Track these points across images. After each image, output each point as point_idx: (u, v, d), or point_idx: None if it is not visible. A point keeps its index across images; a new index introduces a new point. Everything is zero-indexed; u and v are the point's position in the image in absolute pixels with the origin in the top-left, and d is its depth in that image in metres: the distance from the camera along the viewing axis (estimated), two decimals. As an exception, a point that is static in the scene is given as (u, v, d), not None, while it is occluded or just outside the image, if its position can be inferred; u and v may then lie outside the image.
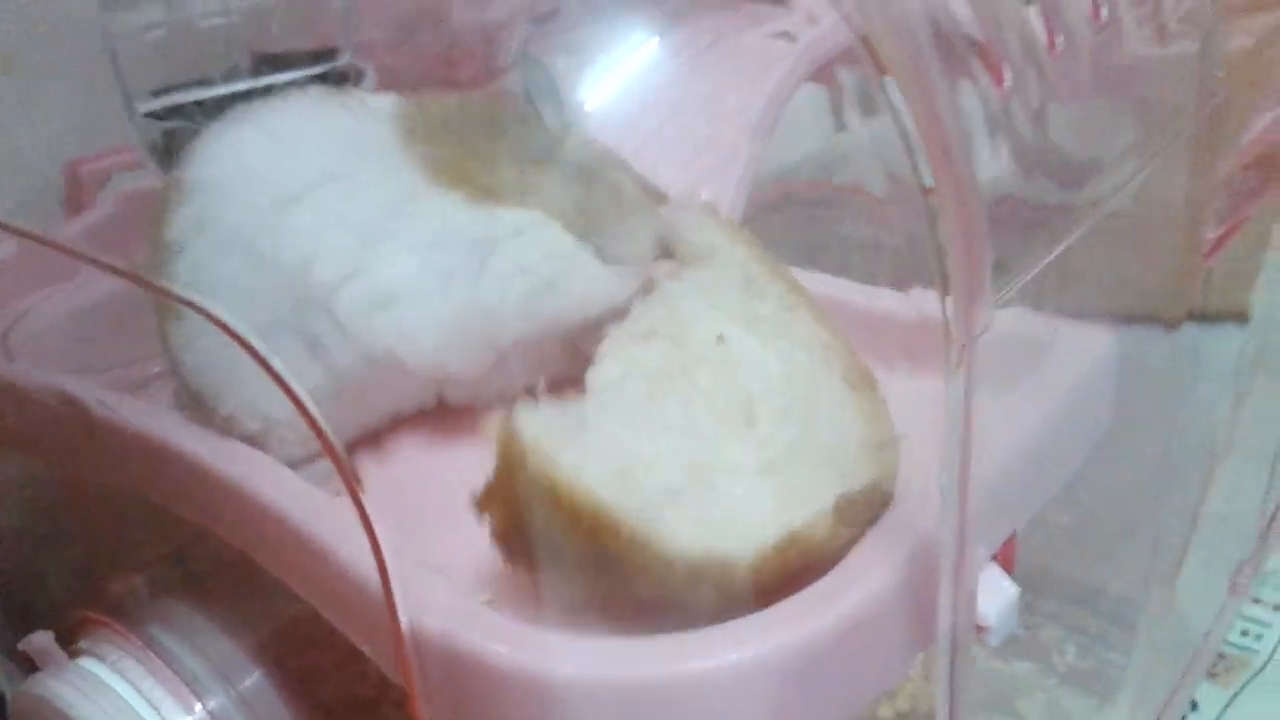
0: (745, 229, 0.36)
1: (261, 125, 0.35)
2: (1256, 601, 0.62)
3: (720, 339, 0.31)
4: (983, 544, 0.28)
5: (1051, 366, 0.33)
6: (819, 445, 0.29)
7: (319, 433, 0.27)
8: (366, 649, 0.30)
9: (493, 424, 0.27)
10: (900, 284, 0.36)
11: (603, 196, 0.35)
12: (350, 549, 0.28)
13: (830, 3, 0.25)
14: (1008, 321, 0.27)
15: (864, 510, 0.28)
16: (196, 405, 0.35)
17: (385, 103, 0.36)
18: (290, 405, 0.27)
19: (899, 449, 0.29)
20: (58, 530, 0.50)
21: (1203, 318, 0.48)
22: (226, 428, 0.34)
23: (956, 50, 0.29)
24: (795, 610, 0.26)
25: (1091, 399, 0.34)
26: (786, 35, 0.45)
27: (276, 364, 0.27)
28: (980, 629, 0.29)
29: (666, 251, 0.36)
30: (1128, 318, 0.40)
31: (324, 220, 0.34)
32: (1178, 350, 0.43)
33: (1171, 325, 0.41)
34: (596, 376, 0.31)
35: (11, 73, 0.49)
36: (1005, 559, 0.30)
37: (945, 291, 0.23)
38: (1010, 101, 0.30)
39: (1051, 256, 0.27)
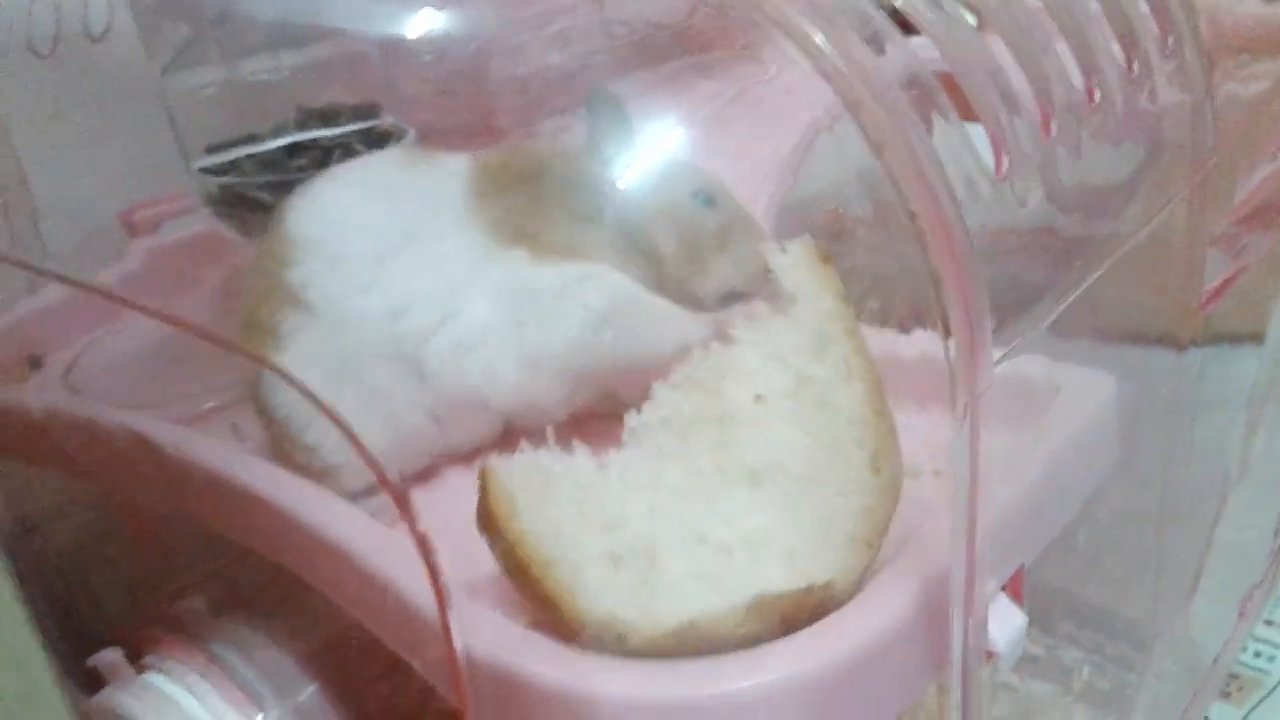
0: (837, 276, 0.36)
1: (357, 184, 0.39)
2: (1269, 623, 0.63)
3: (759, 399, 0.33)
4: (992, 576, 0.30)
5: (1057, 409, 0.35)
6: (799, 530, 0.31)
7: (379, 474, 0.29)
8: (421, 669, 0.32)
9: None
10: (912, 313, 0.38)
11: (669, 239, 0.37)
12: (407, 579, 0.31)
13: (818, 73, 0.27)
14: (1015, 367, 0.29)
15: (790, 609, 0.29)
16: (279, 435, 0.38)
17: (458, 164, 0.39)
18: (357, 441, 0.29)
19: (878, 550, 0.31)
20: (112, 551, 0.52)
21: (1218, 339, 0.49)
22: (308, 457, 0.37)
23: (1009, 95, 0.31)
24: (819, 636, 0.29)
25: (1096, 440, 0.36)
26: (791, 91, 0.48)
27: (335, 411, 0.30)
28: (990, 655, 0.31)
29: (759, 290, 0.37)
30: (1132, 344, 0.42)
31: (413, 275, 0.37)
32: (1182, 380, 0.44)
33: (1178, 350, 0.42)
34: (632, 419, 0.32)
35: (71, 123, 0.51)
36: (1015, 589, 0.32)
37: (949, 350, 0.26)
38: (1055, 148, 0.32)
39: (1054, 314, 0.30)
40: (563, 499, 0.30)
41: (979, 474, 0.27)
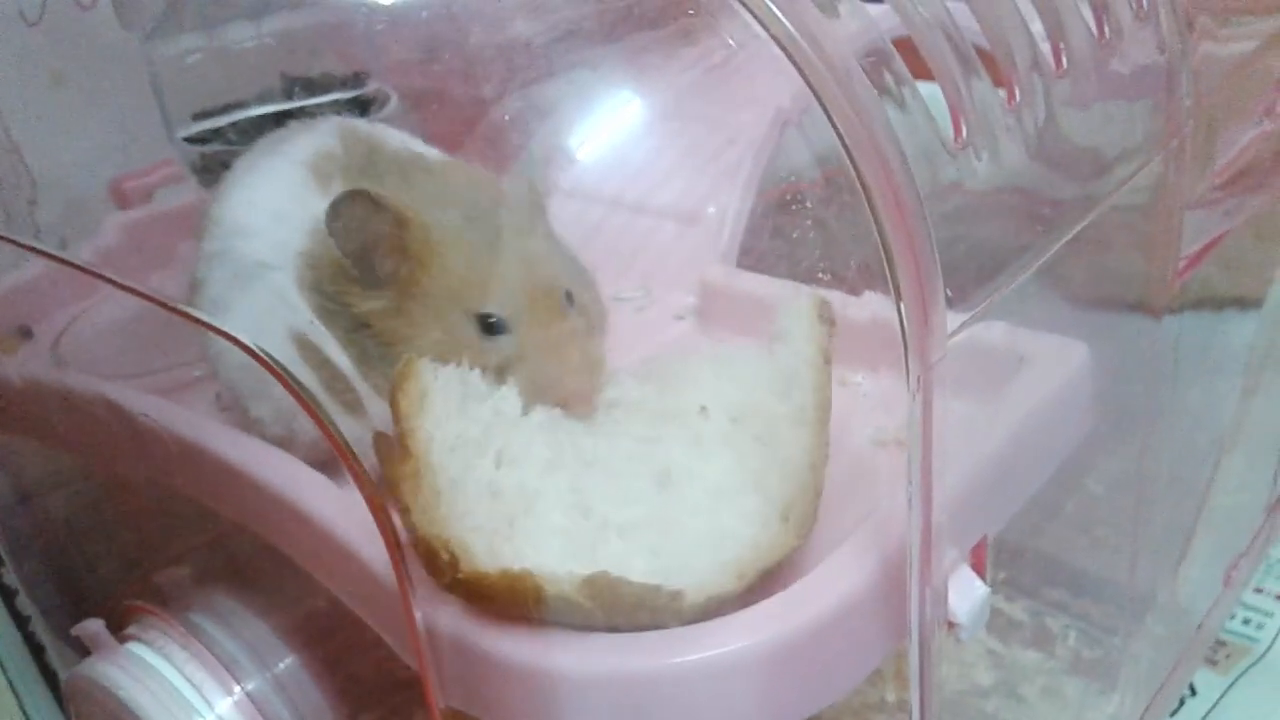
0: (830, 336, 0.35)
1: (256, 195, 0.38)
2: (1259, 591, 0.63)
3: (703, 410, 0.33)
4: (953, 547, 0.30)
5: (1025, 377, 0.35)
6: (681, 537, 0.31)
7: (333, 440, 0.29)
8: (387, 638, 0.32)
9: None
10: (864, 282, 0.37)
11: None
12: (369, 546, 0.31)
13: (769, 37, 0.27)
14: (978, 334, 0.29)
15: (628, 601, 0.28)
16: (235, 407, 0.38)
17: (313, 219, 0.35)
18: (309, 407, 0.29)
19: (749, 584, 0.30)
20: (105, 522, 0.53)
21: (1209, 303, 0.49)
22: (259, 430, 0.37)
23: (967, 59, 0.30)
24: (776, 608, 0.29)
25: (1065, 410, 0.36)
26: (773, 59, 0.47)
27: (292, 374, 0.30)
28: (952, 626, 0.31)
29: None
30: (1108, 311, 0.42)
31: (264, 308, 0.36)
32: (1160, 346, 0.44)
33: (1154, 317, 0.42)
34: None
35: (62, 91, 0.51)
36: (978, 560, 0.32)
37: (902, 318, 0.25)
38: (1020, 114, 0.32)
39: (1018, 282, 0.29)
40: (473, 418, 0.31)
41: (932, 445, 0.27)
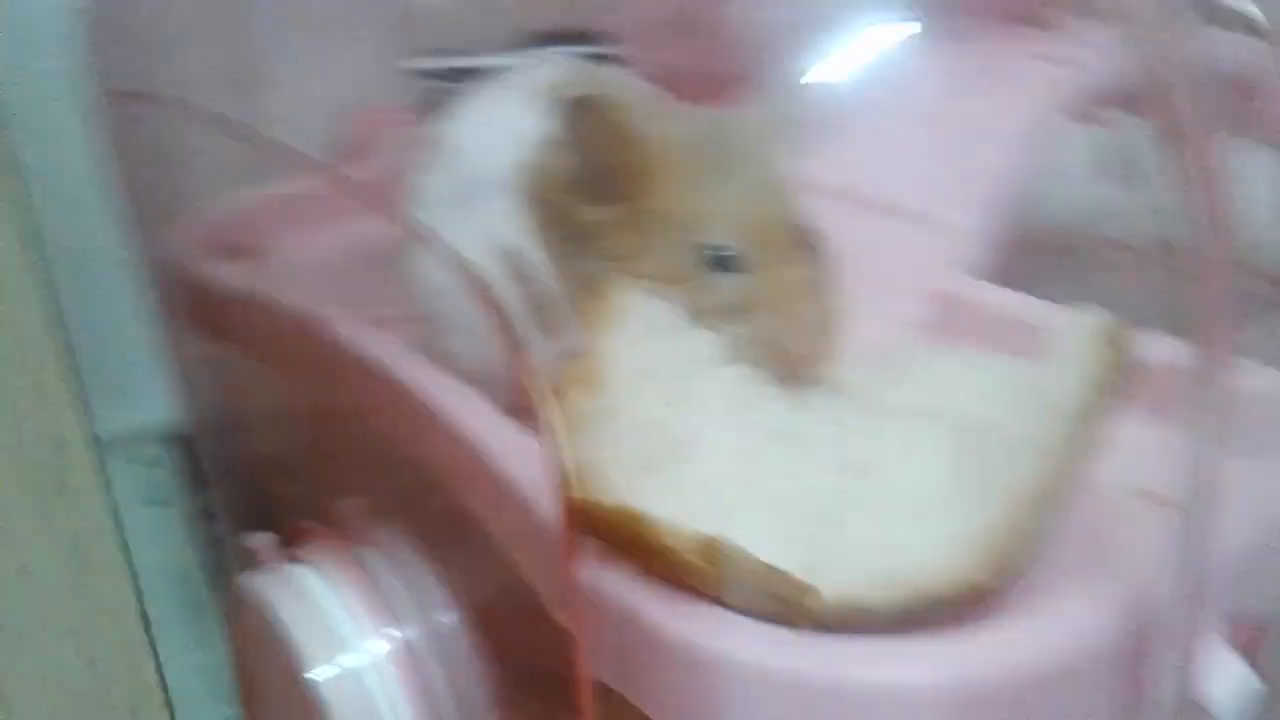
0: (1112, 365, 0.31)
1: (477, 115, 0.37)
2: None
3: (923, 413, 0.30)
4: (1219, 620, 0.26)
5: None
6: (835, 536, 0.27)
7: (519, 368, 0.28)
8: (543, 592, 0.30)
9: None
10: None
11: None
12: (539, 490, 0.29)
13: (1130, 50, 0.23)
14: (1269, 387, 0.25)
15: (752, 579, 0.26)
16: (433, 342, 0.37)
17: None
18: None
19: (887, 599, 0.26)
20: (300, 448, 0.53)
21: None
22: (454, 364, 0.36)
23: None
24: (992, 639, 0.25)
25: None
26: (1048, 58, 0.43)
27: (492, 292, 0.29)
28: (1200, 710, 0.26)
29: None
30: None
31: (484, 220, 0.35)
32: None
33: None
34: None
35: (310, 17, 0.52)
36: (1247, 642, 0.27)
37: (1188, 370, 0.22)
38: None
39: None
40: (662, 352, 0.29)
41: (1210, 504, 0.23)
